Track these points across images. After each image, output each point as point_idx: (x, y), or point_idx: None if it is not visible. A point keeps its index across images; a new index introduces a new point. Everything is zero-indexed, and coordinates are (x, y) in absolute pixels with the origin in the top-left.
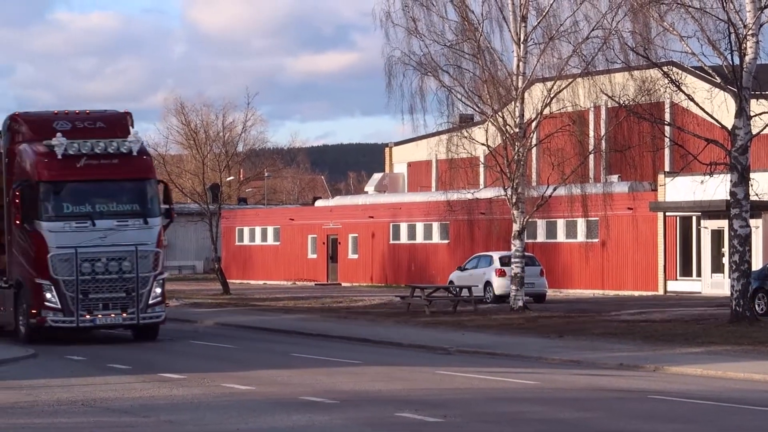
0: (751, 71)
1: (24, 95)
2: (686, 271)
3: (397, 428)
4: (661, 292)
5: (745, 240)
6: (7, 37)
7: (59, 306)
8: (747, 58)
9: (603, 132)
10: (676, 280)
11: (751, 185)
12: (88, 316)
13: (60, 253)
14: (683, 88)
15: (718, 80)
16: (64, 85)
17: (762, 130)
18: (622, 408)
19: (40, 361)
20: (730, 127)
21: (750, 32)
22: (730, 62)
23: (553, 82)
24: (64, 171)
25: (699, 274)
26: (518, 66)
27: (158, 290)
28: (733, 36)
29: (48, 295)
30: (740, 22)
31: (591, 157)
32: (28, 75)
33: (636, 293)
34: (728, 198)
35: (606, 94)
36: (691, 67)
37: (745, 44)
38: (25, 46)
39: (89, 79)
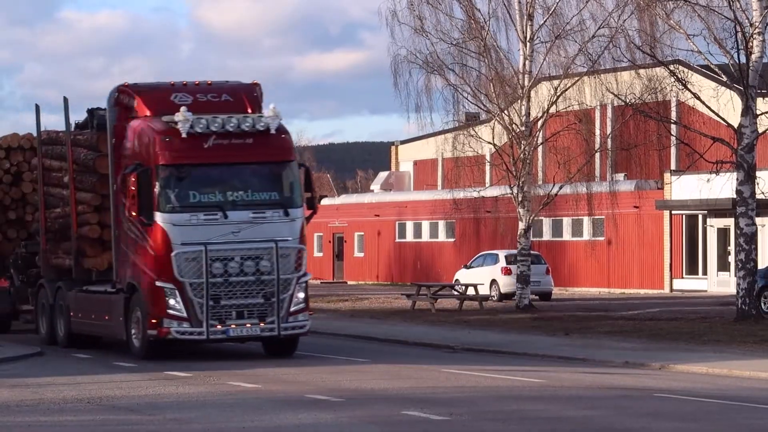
0: (757, 69)
1: (31, 94)
2: (692, 270)
3: (404, 426)
4: (667, 290)
5: (751, 238)
6: (16, 37)
7: (185, 314)
8: (753, 57)
9: (609, 130)
10: (682, 278)
11: (758, 184)
12: (219, 327)
13: (186, 250)
14: (689, 86)
15: (725, 79)
16: (72, 84)
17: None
18: (628, 406)
19: (46, 359)
20: (736, 125)
21: (756, 30)
22: (737, 60)
23: (559, 80)
24: (190, 152)
25: (705, 273)
26: (524, 64)
27: (301, 295)
28: (739, 34)
29: (171, 302)
30: (747, 21)
31: (597, 155)
32: (35, 74)
33: (642, 291)
34: (734, 196)
35: (612, 93)
36: (698, 65)
37: (752, 42)
38: (33, 45)
39: (97, 78)
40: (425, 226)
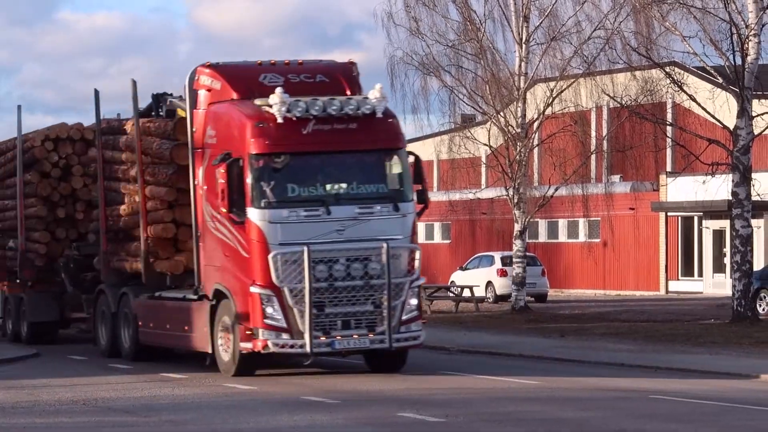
0: (753, 71)
1: (29, 94)
2: (688, 271)
3: (399, 428)
4: (662, 292)
5: (747, 240)
6: (13, 37)
7: (284, 324)
8: (749, 59)
9: (605, 132)
10: (678, 280)
11: (753, 185)
12: (323, 338)
13: (285, 251)
14: (685, 88)
15: (720, 80)
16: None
17: (764, 130)
18: (623, 407)
19: (42, 360)
20: (732, 127)
21: (752, 32)
22: (732, 62)
23: (555, 82)
24: (287, 139)
25: (701, 275)
26: (520, 66)
27: (414, 301)
28: (735, 36)
29: (269, 310)
30: (742, 23)
31: (593, 157)
32: (33, 75)
33: (638, 293)
34: (730, 198)
35: (608, 95)
36: (693, 67)
37: (747, 44)
38: (31, 45)
39: (95, 79)
40: (421, 227)
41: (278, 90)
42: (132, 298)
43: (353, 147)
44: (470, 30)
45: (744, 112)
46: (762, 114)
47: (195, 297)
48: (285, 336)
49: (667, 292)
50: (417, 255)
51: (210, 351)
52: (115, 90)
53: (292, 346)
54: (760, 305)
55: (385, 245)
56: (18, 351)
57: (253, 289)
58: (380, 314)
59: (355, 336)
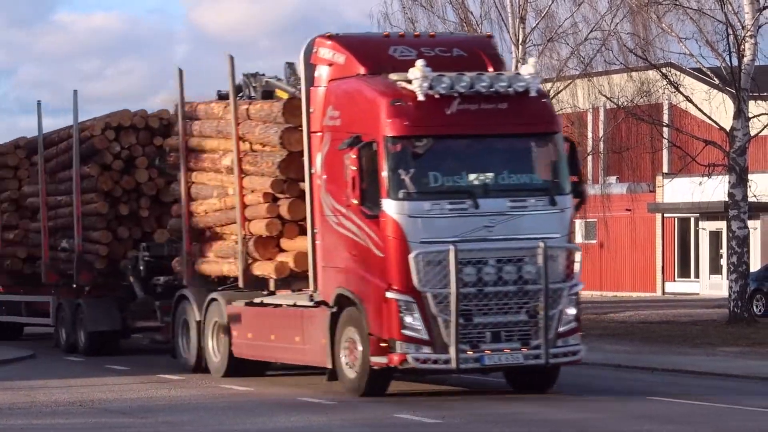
0: (749, 73)
1: (26, 96)
2: (684, 273)
3: (396, 429)
4: (659, 293)
5: (743, 241)
6: (11, 39)
7: (426, 336)
8: (745, 60)
9: (601, 133)
10: (675, 281)
11: (750, 187)
12: (471, 353)
13: (429, 251)
14: (681, 89)
15: (717, 82)
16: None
17: (760, 131)
18: (621, 409)
19: (39, 361)
20: (728, 128)
21: (748, 34)
22: (729, 64)
23: (551, 83)
24: (430, 120)
25: (697, 276)
26: (517, 67)
27: (572, 311)
28: (731, 37)
29: (408, 319)
30: (738, 24)
31: (589, 158)
32: (30, 76)
33: (634, 294)
34: (726, 199)
35: (605, 96)
36: (690, 68)
37: (744, 46)
38: (28, 46)
39: (92, 80)
40: None
41: (420, 63)
42: (223, 305)
43: (504, 130)
44: (467, 31)
45: (740, 114)
46: (758, 115)
47: (310, 303)
48: (427, 349)
49: (663, 293)
50: (577, 256)
51: (329, 366)
52: (114, 90)
53: (435, 362)
54: (757, 306)
55: (541, 245)
56: (14, 352)
57: (390, 295)
58: (535, 325)
59: (507, 350)
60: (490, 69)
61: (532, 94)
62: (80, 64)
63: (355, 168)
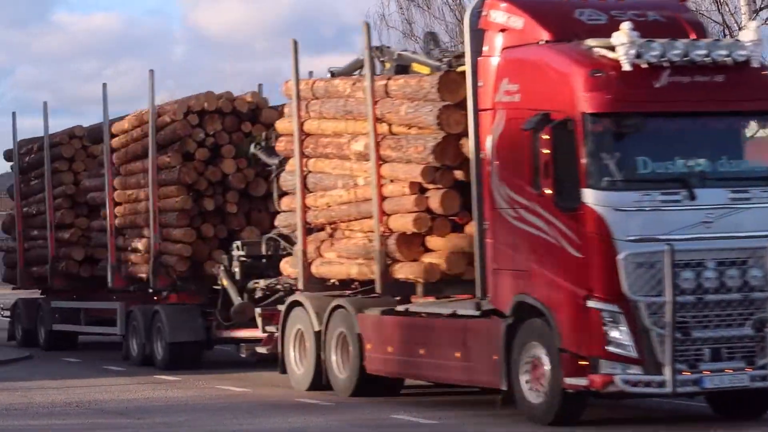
0: None
1: (23, 96)
2: None
3: (392, 430)
4: None
5: None
6: (8, 39)
7: (635, 354)
8: None
9: None
10: None
11: None
12: (688, 374)
13: (640, 251)
14: None
15: None
16: (65, 86)
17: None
18: (621, 407)
19: (36, 362)
20: None
21: None
22: None
23: None
24: (639, 95)
25: None
26: None
27: None
28: (728, 38)
29: (614, 333)
30: (735, 24)
31: None
32: (28, 76)
33: None
34: None
35: None
36: None
37: None
38: (26, 47)
39: (90, 81)
40: None
41: (625, 26)
42: (353, 313)
43: (723, 107)
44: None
45: None
46: None
47: (477, 313)
48: (636, 369)
49: None
50: None
51: (503, 387)
52: (113, 91)
53: (647, 384)
54: None
55: None
56: (11, 353)
57: (592, 304)
58: (762, 341)
59: (728, 370)
60: (693, 36)
61: (754, 64)
62: (78, 64)
63: (548, 151)
